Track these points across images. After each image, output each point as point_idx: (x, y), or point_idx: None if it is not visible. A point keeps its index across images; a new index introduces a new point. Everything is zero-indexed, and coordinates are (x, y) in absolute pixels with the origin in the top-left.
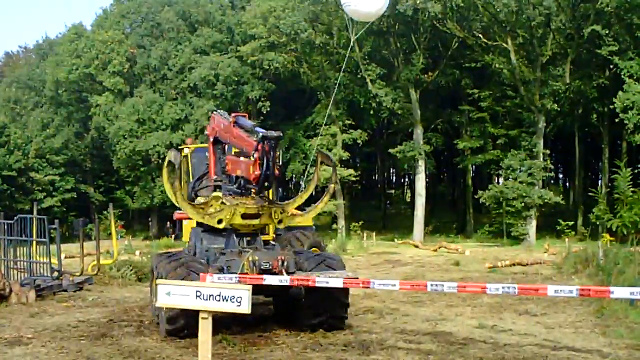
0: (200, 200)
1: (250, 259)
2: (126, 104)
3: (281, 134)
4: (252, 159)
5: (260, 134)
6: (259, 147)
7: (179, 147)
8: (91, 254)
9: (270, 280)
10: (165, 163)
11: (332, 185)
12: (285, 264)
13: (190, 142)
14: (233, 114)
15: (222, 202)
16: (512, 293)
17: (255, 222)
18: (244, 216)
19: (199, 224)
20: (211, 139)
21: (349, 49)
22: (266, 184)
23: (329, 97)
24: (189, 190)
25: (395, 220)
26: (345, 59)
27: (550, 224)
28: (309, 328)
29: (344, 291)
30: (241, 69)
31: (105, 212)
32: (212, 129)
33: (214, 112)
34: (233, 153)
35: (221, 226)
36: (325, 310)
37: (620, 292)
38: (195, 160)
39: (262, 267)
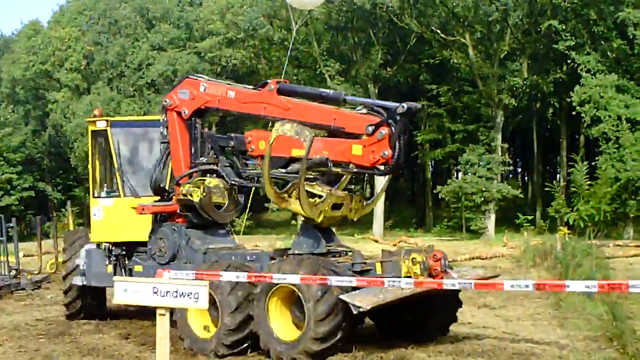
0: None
1: (419, 259)
2: (83, 101)
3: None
4: (379, 137)
5: (405, 107)
6: (385, 123)
7: (88, 120)
8: (49, 252)
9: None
10: (271, 139)
11: (387, 177)
12: (448, 263)
13: (100, 114)
14: (272, 79)
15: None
16: (468, 287)
17: (338, 213)
18: (333, 207)
19: (165, 219)
20: (186, 112)
21: (292, 38)
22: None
23: None
24: (154, 178)
25: None
26: (289, 48)
27: (509, 218)
28: (433, 336)
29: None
30: (199, 65)
31: (63, 209)
32: (195, 97)
33: (198, 77)
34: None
35: (319, 220)
36: (450, 314)
37: (575, 286)
38: (119, 138)
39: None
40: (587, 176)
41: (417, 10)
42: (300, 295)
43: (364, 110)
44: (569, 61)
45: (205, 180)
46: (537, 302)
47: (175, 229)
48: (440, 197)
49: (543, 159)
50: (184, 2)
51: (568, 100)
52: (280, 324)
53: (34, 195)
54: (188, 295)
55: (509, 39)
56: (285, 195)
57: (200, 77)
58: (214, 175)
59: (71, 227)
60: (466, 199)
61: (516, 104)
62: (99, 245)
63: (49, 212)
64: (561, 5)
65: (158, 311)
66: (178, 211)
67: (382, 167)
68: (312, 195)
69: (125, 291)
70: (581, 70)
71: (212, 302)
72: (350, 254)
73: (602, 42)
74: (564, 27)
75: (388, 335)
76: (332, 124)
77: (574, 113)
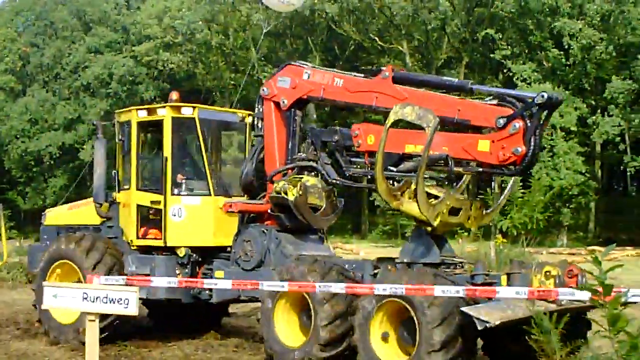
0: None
1: (554, 272)
2: (18, 103)
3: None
4: (511, 131)
5: (545, 96)
6: (519, 115)
7: (168, 105)
8: None
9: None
10: (388, 123)
11: (515, 178)
12: (585, 281)
13: (178, 98)
14: (387, 66)
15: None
16: (399, 293)
17: (455, 220)
18: (450, 212)
19: (253, 220)
20: (285, 102)
21: (261, 37)
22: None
23: (224, 98)
24: (245, 174)
25: None
26: (257, 48)
27: None
28: None
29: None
30: (136, 68)
31: None
32: (297, 86)
33: (301, 63)
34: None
35: (436, 223)
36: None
37: (505, 292)
38: (206, 128)
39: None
40: (521, 184)
41: (356, 17)
42: (410, 309)
43: (494, 101)
44: (505, 70)
45: (302, 178)
46: None
47: (265, 231)
48: (376, 203)
49: None
50: (121, 6)
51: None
52: (384, 346)
53: None
54: (118, 301)
55: (446, 48)
56: (398, 193)
57: (303, 64)
58: (313, 173)
59: (3, 231)
60: None
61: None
62: (147, 251)
63: None
64: (499, 14)
65: (88, 317)
66: (269, 211)
67: (511, 167)
68: (428, 195)
69: (55, 297)
70: (517, 79)
71: (307, 309)
72: (467, 266)
73: (538, 52)
74: (500, 36)
75: None
76: (455, 115)
77: None
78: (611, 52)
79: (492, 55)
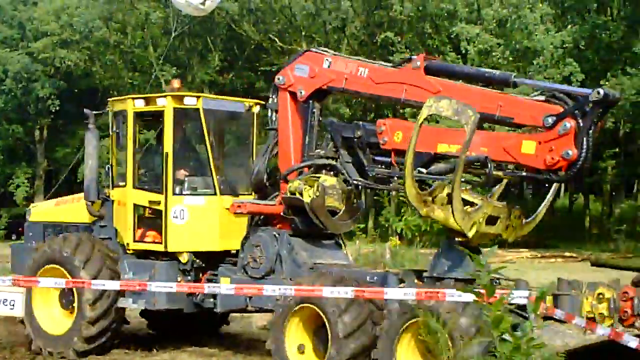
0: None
1: (607, 295)
2: None
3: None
4: (561, 131)
5: (602, 93)
6: (569, 114)
7: (169, 94)
8: None
9: None
10: (421, 119)
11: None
12: None
13: (180, 86)
14: (419, 55)
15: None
16: (288, 295)
17: (492, 230)
18: (487, 221)
19: (264, 222)
20: (302, 92)
21: (171, 39)
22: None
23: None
24: (256, 171)
25: None
26: (166, 48)
27: None
28: None
29: None
30: (32, 65)
31: None
32: (316, 75)
33: (322, 50)
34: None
35: (471, 234)
36: None
37: (393, 293)
38: (212, 121)
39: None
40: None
41: (256, 17)
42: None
43: (541, 97)
44: None
45: (319, 177)
46: None
47: (277, 235)
48: None
49: None
50: (17, 1)
51: (402, 110)
52: None
53: None
54: (4, 303)
55: (346, 49)
56: (429, 198)
57: (324, 50)
58: (332, 172)
59: None
60: None
61: (351, 114)
62: (142, 256)
63: None
64: (398, 18)
65: None
66: (282, 214)
67: (560, 172)
68: (463, 202)
69: None
70: None
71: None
72: (505, 282)
73: (436, 56)
74: (399, 39)
75: None
76: (496, 112)
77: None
78: (508, 57)
79: (390, 58)
